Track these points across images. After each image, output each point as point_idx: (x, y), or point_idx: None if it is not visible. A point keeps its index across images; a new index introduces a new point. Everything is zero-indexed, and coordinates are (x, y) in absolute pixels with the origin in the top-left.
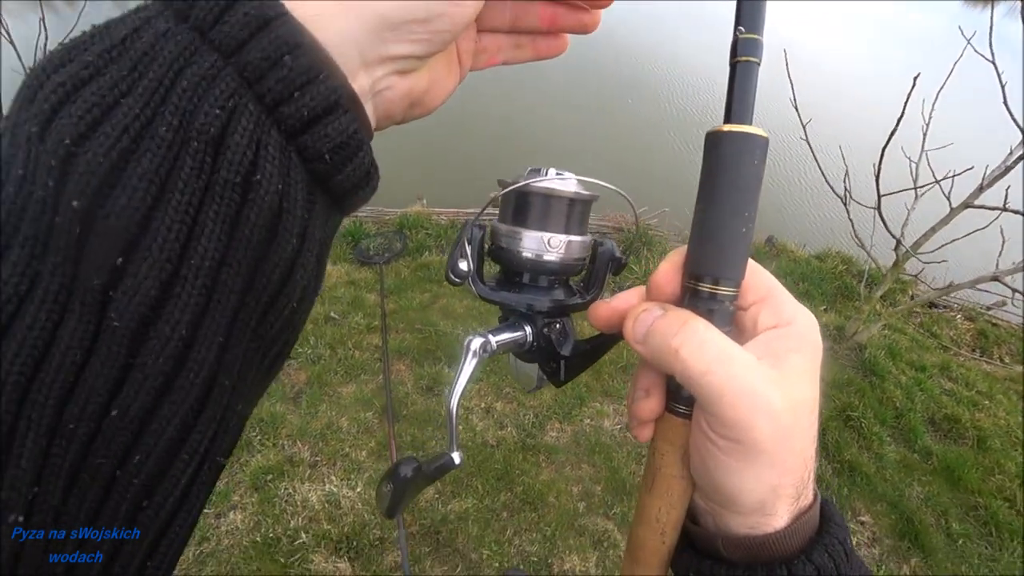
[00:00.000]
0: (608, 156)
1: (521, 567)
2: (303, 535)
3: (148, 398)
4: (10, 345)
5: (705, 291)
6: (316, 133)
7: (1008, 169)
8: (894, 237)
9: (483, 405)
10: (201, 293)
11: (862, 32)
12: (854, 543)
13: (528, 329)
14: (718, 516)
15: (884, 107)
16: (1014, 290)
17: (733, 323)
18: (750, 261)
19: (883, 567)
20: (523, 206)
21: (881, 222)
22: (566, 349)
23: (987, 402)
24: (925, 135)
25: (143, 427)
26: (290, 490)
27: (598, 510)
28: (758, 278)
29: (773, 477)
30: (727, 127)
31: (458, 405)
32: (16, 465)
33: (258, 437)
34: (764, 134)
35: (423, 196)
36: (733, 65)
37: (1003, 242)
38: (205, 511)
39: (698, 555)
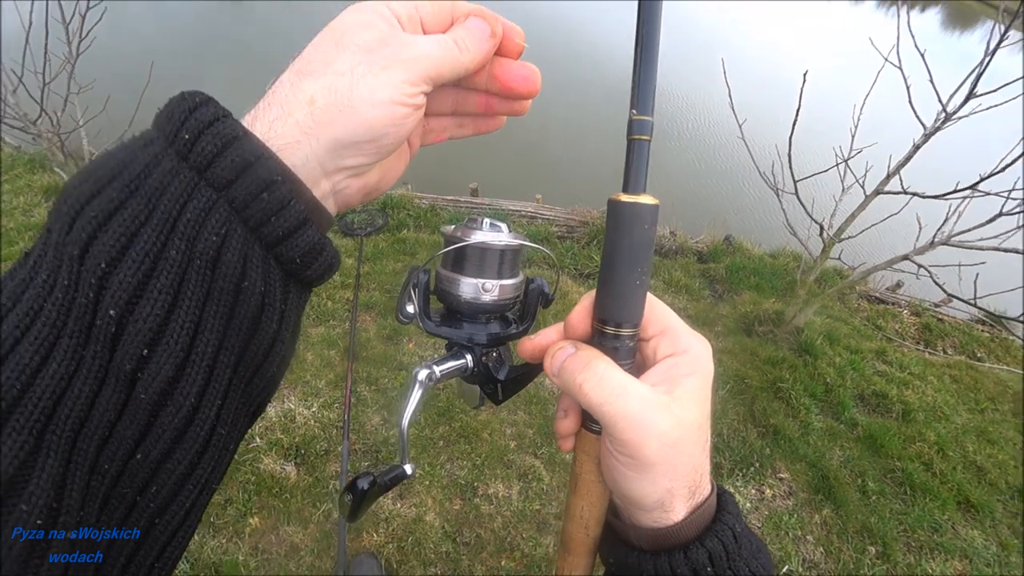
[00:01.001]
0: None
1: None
2: (257, 440)
3: (164, 446)
4: (62, 410)
5: (610, 332)
6: (289, 244)
7: (908, 158)
8: (815, 222)
9: (435, 355)
10: (205, 371)
11: (809, 35)
12: (771, 495)
13: (469, 357)
14: (630, 513)
15: (821, 104)
16: (919, 265)
17: (635, 355)
18: (652, 298)
19: (795, 515)
20: (461, 256)
21: (802, 206)
22: (502, 374)
23: (918, 382)
24: (854, 136)
25: (159, 466)
26: None
27: (527, 449)
28: (657, 313)
29: (665, 482)
30: (623, 197)
31: (408, 426)
32: (68, 496)
33: None
34: (654, 202)
35: (408, 182)
36: (628, 142)
37: (919, 228)
38: None
39: (617, 543)
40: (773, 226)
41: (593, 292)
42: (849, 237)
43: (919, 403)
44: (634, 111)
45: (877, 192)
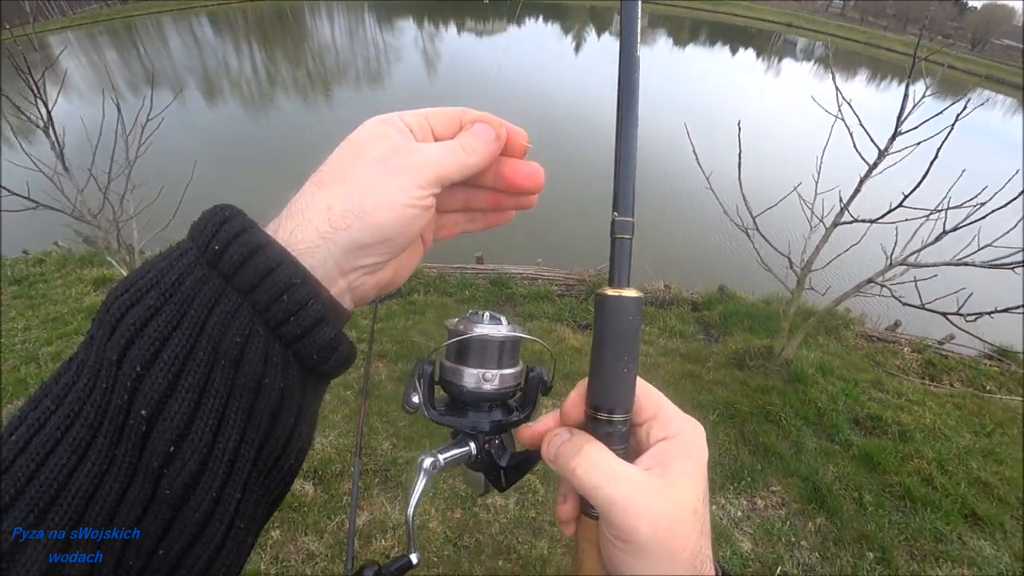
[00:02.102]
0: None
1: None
2: None
3: (185, 541)
4: (93, 507)
5: (602, 418)
6: (307, 341)
7: (856, 192)
8: (782, 254)
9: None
10: (226, 466)
11: (777, 99)
12: (763, 505)
13: (472, 445)
14: None
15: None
16: (881, 284)
17: (628, 439)
18: (644, 383)
19: (788, 523)
20: (463, 348)
21: (766, 242)
22: (504, 460)
23: (916, 408)
24: (817, 181)
25: (180, 562)
26: None
27: None
28: (649, 399)
29: (662, 567)
30: (609, 291)
31: (414, 514)
32: None
33: None
34: (637, 294)
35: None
36: (612, 240)
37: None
38: None
39: None
40: (763, 275)
41: (586, 379)
42: (818, 269)
43: (916, 425)
44: (616, 213)
45: (835, 224)
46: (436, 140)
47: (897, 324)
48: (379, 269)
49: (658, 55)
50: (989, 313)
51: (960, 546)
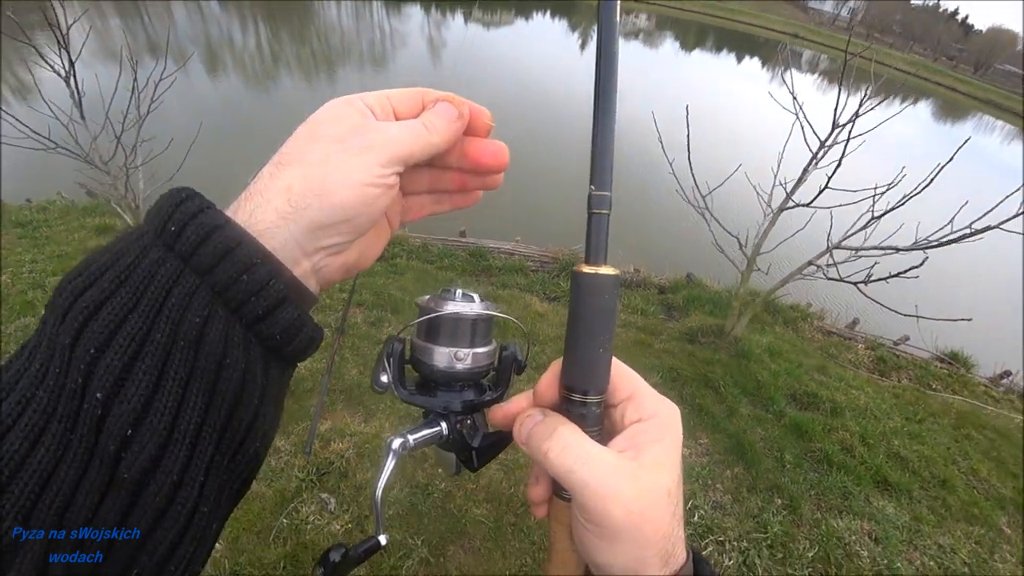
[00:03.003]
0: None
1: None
2: None
3: (146, 526)
4: (47, 494)
5: (576, 399)
6: (269, 322)
7: (800, 180)
8: (732, 235)
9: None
10: (187, 449)
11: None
12: (687, 453)
13: (444, 425)
14: None
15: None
16: (817, 266)
17: (602, 420)
18: (620, 364)
19: (708, 469)
20: (435, 326)
21: (717, 223)
22: (476, 441)
23: (854, 391)
24: (776, 173)
25: (141, 548)
26: None
27: None
28: (624, 380)
29: (635, 550)
30: (585, 268)
31: (382, 495)
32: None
33: None
34: (614, 272)
35: (404, 224)
36: (589, 216)
37: (827, 244)
38: None
39: None
40: (729, 266)
41: (560, 360)
42: (766, 252)
43: (849, 405)
44: (593, 187)
45: (781, 209)
46: (398, 120)
47: (856, 322)
48: (343, 250)
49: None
50: (885, 279)
51: (864, 504)
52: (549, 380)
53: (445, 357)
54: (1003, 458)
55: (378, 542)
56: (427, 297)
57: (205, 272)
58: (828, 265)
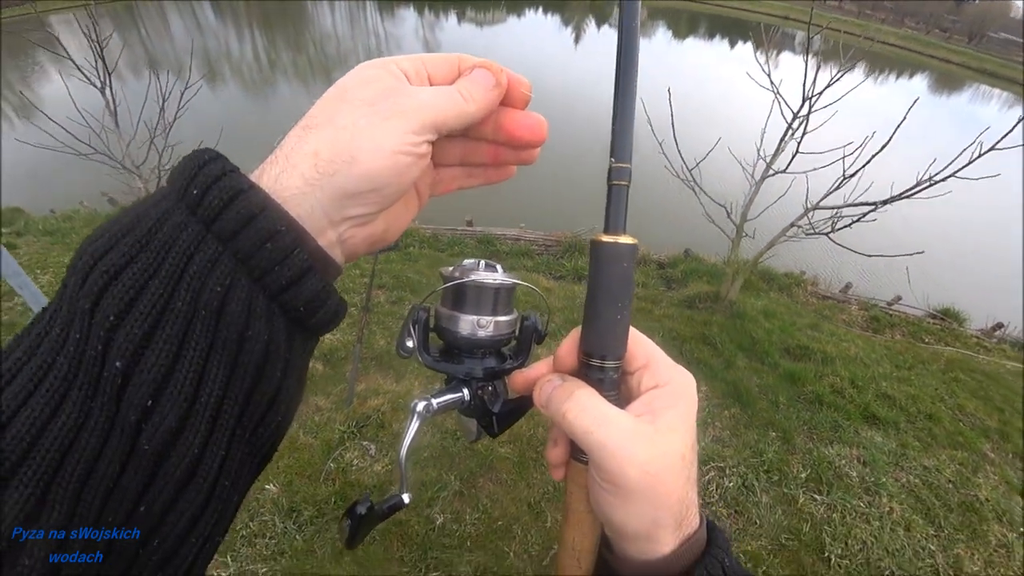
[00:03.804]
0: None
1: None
2: None
3: (167, 497)
4: (69, 461)
5: (595, 364)
6: (293, 292)
7: (779, 150)
8: (719, 204)
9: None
10: (208, 422)
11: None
12: None
13: (466, 391)
14: (620, 545)
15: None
16: (798, 226)
17: (619, 386)
18: (637, 333)
19: (707, 411)
20: (459, 295)
21: (704, 193)
22: (496, 407)
23: (845, 344)
24: (759, 147)
25: (163, 518)
26: None
27: None
28: (640, 348)
29: (649, 512)
30: (604, 237)
31: (407, 456)
32: (71, 549)
33: None
34: (632, 241)
35: (415, 218)
36: (608, 187)
37: (805, 207)
38: None
39: (608, 574)
40: (724, 242)
41: (579, 328)
42: (753, 218)
43: (840, 355)
44: (613, 159)
45: (763, 178)
46: (432, 82)
47: (849, 286)
48: (370, 221)
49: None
50: (848, 225)
51: (854, 435)
52: (568, 347)
53: (469, 324)
54: (990, 397)
55: (402, 500)
56: (451, 267)
57: (228, 239)
58: (808, 225)
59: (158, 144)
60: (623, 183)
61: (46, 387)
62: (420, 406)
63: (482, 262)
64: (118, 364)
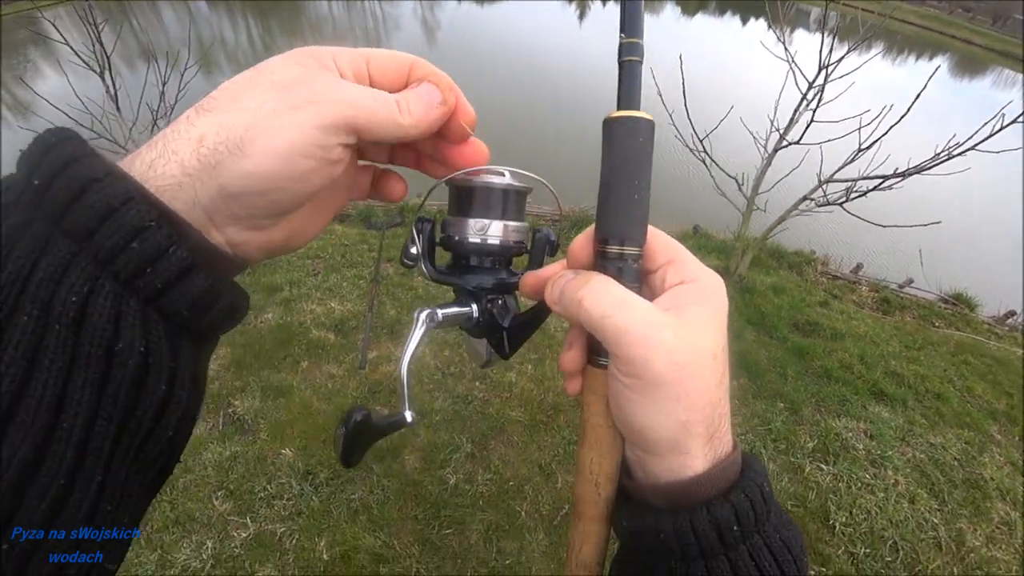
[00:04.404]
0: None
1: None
2: (308, 321)
3: (36, 530)
4: None
5: (612, 252)
6: (172, 295)
7: (792, 121)
8: (731, 176)
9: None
10: (75, 449)
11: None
12: None
13: (474, 306)
14: (644, 465)
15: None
16: (811, 199)
17: (641, 281)
18: (657, 230)
19: None
20: (465, 199)
21: (716, 165)
22: (506, 322)
23: (855, 322)
24: (772, 119)
25: (32, 555)
26: (303, 306)
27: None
28: (664, 243)
29: (679, 412)
30: (617, 113)
31: (408, 370)
32: None
33: (287, 286)
34: (647, 116)
35: (421, 193)
36: (620, 64)
37: (818, 180)
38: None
39: (632, 506)
40: (734, 218)
41: (593, 225)
42: (765, 191)
43: (849, 331)
44: (623, 35)
45: (776, 149)
46: (373, 85)
47: (860, 267)
48: (263, 227)
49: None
50: (864, 193)
51: (861, 409)
52: (583, 241)
53: (477, 229)
54: (999, 381)
55: (404, 418)
56: (456, 172)
57: (82, 237)
58: (822, 197)
59: (161, 127)
60: (635, 59)
61: None
62: (424, 314)
63: (488, 166)
64: None
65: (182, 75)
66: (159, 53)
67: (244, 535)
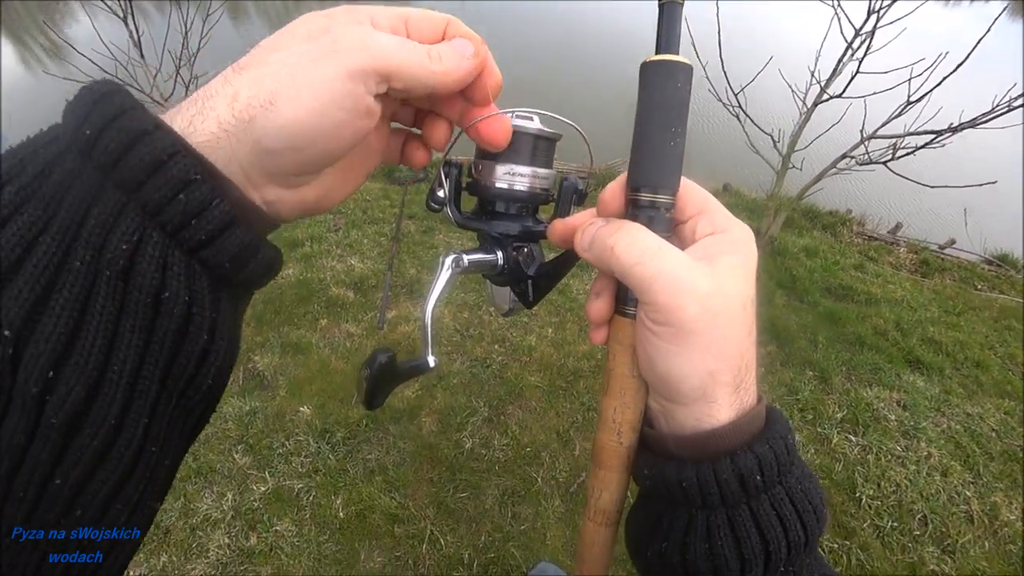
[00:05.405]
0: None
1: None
2: (328, 278)
3: (84, 469)
4: None
5: (644, 200)
6: (215, 247)
7: (835, 72)
8: (765, 133)
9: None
10: (124, 390)
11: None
12: None
13: (499, 253)
14: (669, 415)
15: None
16: (851, 157)
17: (672, 231)
18: (688, 181)
19: None
20: None
21: (751, 121)
22: (532, 270)
23: (891, 285)
24: (813, 71)
25: (81, 489)
26: (323, 262)
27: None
28: (695, 194)
29: (708, 361)
30: (655, 57)
31: (432, 315)
32: None
33: (308, 241)
34: (686, 61)
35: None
36: (660, 6)
37: (861, 136)
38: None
39: (653, 455)
40: (767, 176)
41: (625, 173)
42: (801, 149)
43: (885, 296)
44: None
45: (816, 103)
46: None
47: (898, 226)
48: (297, 185)
49: None
50: (912, 151)
51: (895, 379)
52: (615, 189)
53: (505, 174)
54: None
55: (427, 362)
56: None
57: (132, 189)
58: (864, 155)
59: (184, 76)
60: (677, 1)
61: None
62: (449, 259)
63: (516, 110)
64: (7, 333)
65: (204, 22)
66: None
67: (263, 489)
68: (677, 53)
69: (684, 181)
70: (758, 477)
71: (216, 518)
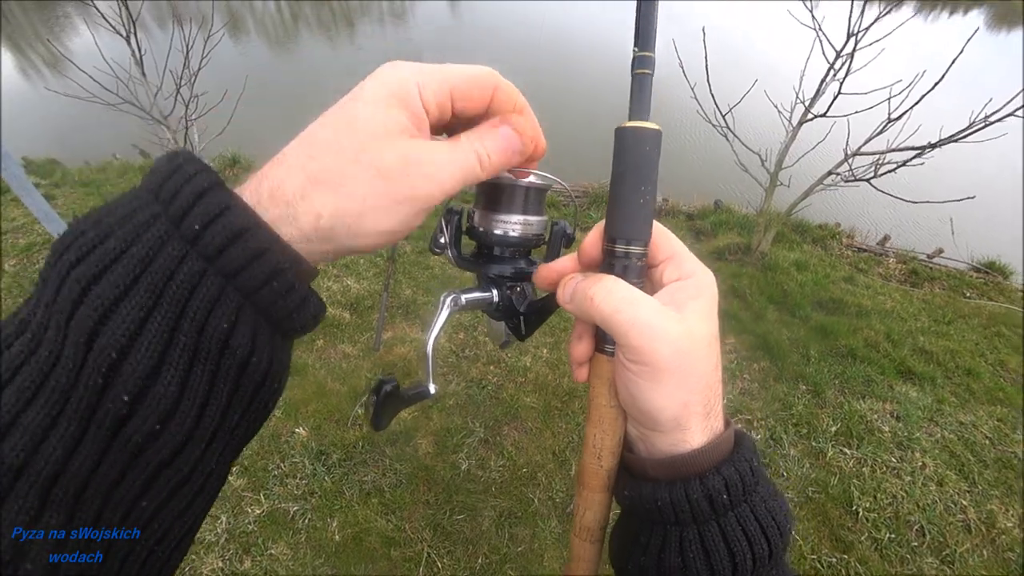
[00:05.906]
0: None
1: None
2: (324, 298)
3: (163, 497)
4: (70, 467)
5: (619, 251)
6: (293, 320)
7: (818, 92)
8: (753, 152)
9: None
10: (208, 436)
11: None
12: None
13: (494, 291)
14: (647, 441)
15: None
16: (837, 174)
17: (645, 277)
18: (662, 227)
19: (735, 363)
20: (490, 194)
21: (738, 140)
22: (523, 307)
23: (881, 297)
24: (797, 92)
25: (156, 515)
26: (320, 283)
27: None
28: (665, 241)
29: (681, 394)
30: (628, 123)
31: (433, 348)
32: (70, 548)
33: None
34: (656, 127)
35: None
36: (632, 76)
37: (844, 153)
38: None
39: (632, 478)
40: (756, 193)
41: (603, 222)
42: (789, 166)
43: (875, 308)
44: (636, 48)
45: (801, 122)
46: (455, 115)
47: (886, 238)
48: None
49: None
50: (893, 170)
51: (887, 390)
52: (593, 238)
53: (500, 223)
54: None
55: (427, 389)
56: None
57: (231, 274)
58: (848, 172)
59: (184, 94)
60: (646, 72)
61: (38, 407)
62: (449, 299)
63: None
64: (125, 398)
65: (205, 42)
66: (188, 16)
67: (258, 511)
68: (647, 119)
69: (657, 227)
70: (725, 496)
71: (210, 541)
